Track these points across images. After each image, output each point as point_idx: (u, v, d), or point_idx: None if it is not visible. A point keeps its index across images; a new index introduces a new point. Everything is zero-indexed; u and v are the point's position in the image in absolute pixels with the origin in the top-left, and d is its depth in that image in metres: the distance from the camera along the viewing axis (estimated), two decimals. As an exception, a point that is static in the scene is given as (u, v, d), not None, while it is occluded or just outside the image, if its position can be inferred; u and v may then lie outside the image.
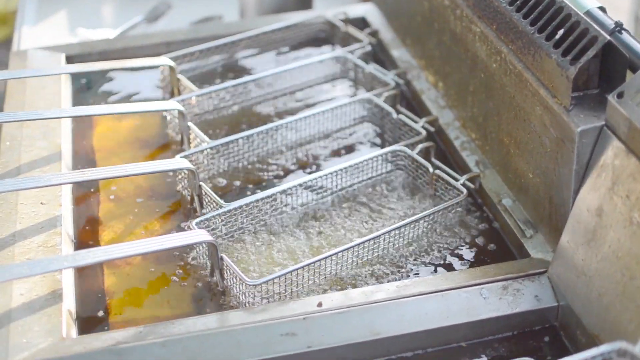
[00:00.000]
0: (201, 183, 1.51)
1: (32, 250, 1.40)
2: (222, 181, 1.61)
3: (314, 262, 1.36)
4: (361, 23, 2.04)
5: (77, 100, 1.84)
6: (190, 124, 1.65)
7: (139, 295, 1.40)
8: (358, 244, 1.39)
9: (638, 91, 1.21)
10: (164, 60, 1.79)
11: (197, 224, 1.42)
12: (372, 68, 1.84)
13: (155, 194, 1.60)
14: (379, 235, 1.41)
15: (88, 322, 1.35)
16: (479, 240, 1.47)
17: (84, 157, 1.70)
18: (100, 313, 1.36)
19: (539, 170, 1.40)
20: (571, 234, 1.29)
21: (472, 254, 1.45)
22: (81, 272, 1.42)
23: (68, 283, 1.36)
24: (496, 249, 1.46)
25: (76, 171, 1.44)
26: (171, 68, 1.79)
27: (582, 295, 1.26)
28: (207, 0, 2.37)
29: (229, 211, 1.46)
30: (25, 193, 1.49)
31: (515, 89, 1.43)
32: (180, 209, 1.56)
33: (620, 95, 1.23)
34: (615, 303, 1.19)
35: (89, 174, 1.43)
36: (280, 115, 1.79)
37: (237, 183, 1.61)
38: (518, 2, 1.42)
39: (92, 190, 1.60)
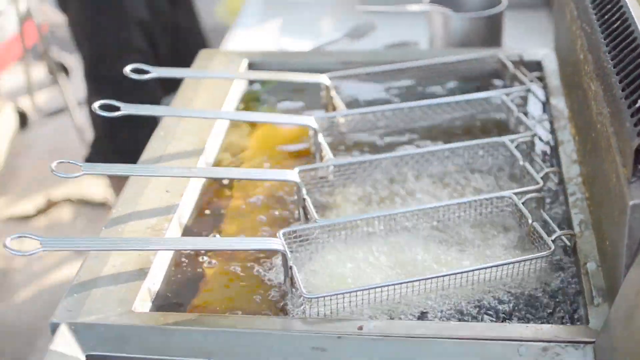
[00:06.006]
0: (305, 197, 1.61)
1: (140, 231, 1.56)
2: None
3: (374, 288, 1.42)
4: (536, 66, 2.04)
5: (248, 99, 2.01)
6: (321, 140, 1.75)
7: (220, 291, 1.52)
8: (425, 279, 1.43)
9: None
10: (321, 78, 1.91)
11: (284, 233, 1.52)
12: (521, 113, 1.84)
13: (280, 202, 1.72)
14: (447, 275, 1.44)
15: (165, 304, 1.49)
16: (549, 299, 1.45)
17: (226, 156, 1.85)
18: (180, 299, 1.50)
19: (611, 240, 1.36)
20: (616, 310, 1.25)
21: (539, 310, 1.43)
22: (178, 260, 1.57)
23: (158, 265, 1.51)
24: (567, 310, 1.44)
25: (188, 168, 1.60)
26: (327, 87, 1.90)
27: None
28: (409, 26, 2.46)
29: (321, 227, 1.55)
30: (157, 180, 1.67)
31: (606, 154, 1.39)
32: (291, 217, 1.67)
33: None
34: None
35: (201, 171, 1.58)
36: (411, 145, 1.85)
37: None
38: (622, 65, 1.39)
39: (225, 189, 1.74)
